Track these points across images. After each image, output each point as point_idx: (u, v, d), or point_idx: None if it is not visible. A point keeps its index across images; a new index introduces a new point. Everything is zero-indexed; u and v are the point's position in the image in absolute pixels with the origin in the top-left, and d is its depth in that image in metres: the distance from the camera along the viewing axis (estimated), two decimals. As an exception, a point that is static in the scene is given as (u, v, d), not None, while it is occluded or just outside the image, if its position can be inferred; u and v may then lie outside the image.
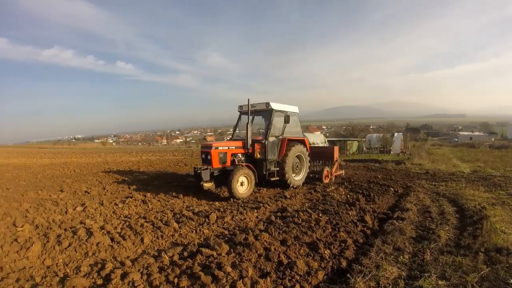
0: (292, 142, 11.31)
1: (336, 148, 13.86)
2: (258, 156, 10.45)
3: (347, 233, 5.59)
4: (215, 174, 9.60)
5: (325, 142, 37.81)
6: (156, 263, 4.23)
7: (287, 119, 10.65)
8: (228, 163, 9.95)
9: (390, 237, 5.33)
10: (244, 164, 9.89)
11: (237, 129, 12.13)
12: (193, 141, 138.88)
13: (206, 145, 10.77)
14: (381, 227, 6.20)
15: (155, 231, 5.68)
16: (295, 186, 11.16)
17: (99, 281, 3.85)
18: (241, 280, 3.67)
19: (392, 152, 39.02)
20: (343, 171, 14.19)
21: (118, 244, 5.05)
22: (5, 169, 17.33)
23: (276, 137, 10.86)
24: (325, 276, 4.03)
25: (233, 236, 5.29)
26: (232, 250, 4.65)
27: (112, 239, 5.26)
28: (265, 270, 4.08)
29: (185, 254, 4.60)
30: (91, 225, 6.02)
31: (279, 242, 5.01)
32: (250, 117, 10.62)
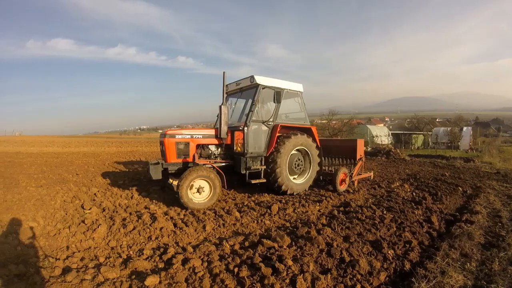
0: (290, 131, 8.75)
1: (360, 142, 10.24)
2: (239, 149, 8.08)
3: (412, 234, 5.23)
4: (171, 171, 7.68)
5: (388, 135, 35.95)
6: (217, 251, 4.25)
7: (277, 97, 7.98)
8: (191, 158, 7.66)
9: (457, 241, 4.90)
10: (204, 162, 7.73)
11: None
12: None
13: (162, 133, 8.23)
14: (448, 229, 5.72)
15: (217, 220, 5.74)
16: (294, 193, 8.46)
17: (161, 265, 3.94)
18: (302, 275, 3.55)
19: (460, 148, 35.74)
20: (371, 173, 10.74)
21: (181, 230, 5.16)
22: (76, 156, 18.64)
23: (263, 123, 8.29)
24: (387, 278, 3.79)
25: (295, 229, 5.19)
26: (293, 243, 4.55)
27: (175, 225, 5.40)
28: (326, 267, 3.93)
29: (246, 244, 4.58)
30: (155, 210, 6.24)
31: (341, 238, 4.83)
32: (234, 99, 9.39)
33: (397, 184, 10.02)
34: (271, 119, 8.31)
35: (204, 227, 5.33)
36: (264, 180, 8.14)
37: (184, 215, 6.03)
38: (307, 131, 9.08)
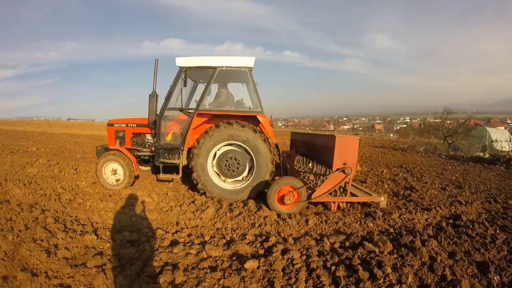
0: (219, 120, 6.95)
1: (344, 140, 6.07)
2: (167, 139, 7.42)
3: (525, 262, 4.70)
4: None
5: (510, 141, 29.84)
6: (317, 247, 4.32)
7: (183, 79, 6.91)
8: (127, 145, 7.81)
9: None
10: (119, 147, 7.51)
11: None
12: (361, 128, 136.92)
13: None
14: None
15: (320, 215, 5.82)
16: (218, 198, 6.71)
17: (261, 251, 4.18)
18: (399, 285, 3.44)
19: None
20: (381, 198, 6.39)
21: (284, 221, 5.37)
22: None
23: (181, 111, 7.22)
24: (487, 307, 3.51)
25: (399, 236, 5.02)
26: (395, 250, 4.42)
27: (278, 216, 5.66)
28: (426, 281, 3.72)
29: (347, 244, 4.57)
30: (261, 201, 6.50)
31: (446, 253, 4.51)
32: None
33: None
34: (191, 110, 7.24)
35: (306, 221, 5.44)
36: (174, 177, 7.39)
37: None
38: (251, 119, 7.03)
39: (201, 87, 7.84)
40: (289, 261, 3.84)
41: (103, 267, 3.79)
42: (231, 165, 6.90)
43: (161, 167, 7.27)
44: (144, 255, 4.06)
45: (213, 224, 5.16)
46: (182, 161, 7.20)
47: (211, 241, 4.44)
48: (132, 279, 3.52)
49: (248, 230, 4.95)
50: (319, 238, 4.75)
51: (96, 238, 4.66)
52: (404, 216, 6.29)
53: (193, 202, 5.99)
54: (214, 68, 7.02)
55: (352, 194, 6.48)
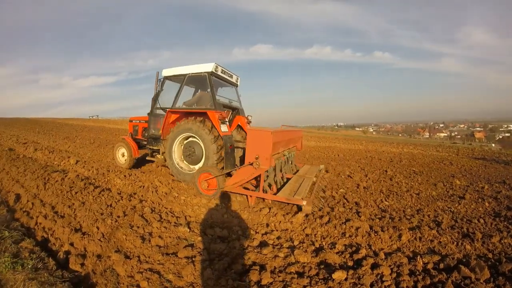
0: (184, 117, 8.50)
1: (254, 133, 6.39)
2: (152, 132, 9.65)
3: None
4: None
5: None
6: (408, 265, 4.08)
7: (159, 85, 9.14)
8: (139, 136, 10.31)
9: None
10: (125, 137, 10.32)
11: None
12: (458, 136, 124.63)
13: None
14: None
15: (414, 231, 5.50)
16: (181, 180, 8.28)
17: (350, 263, 4.05)
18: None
19: None
20: (304, 202, 5.78)
21: (376, 234, 5.15)
22: None
23: (163, 109, 9.15)
24: None
25: (497, 263, 4.64)
26: (492, 278, 4.10)
27: (371, 227, 5.40)
28: None
29: (441, 266, 4.29)
30: (351, 207, 6.40)
31: None
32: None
33: None
34: (169, 106, 8.65)
35: (399, 236, 5.19)
36: (155, 159, 9.37)
37: (380, 218, 5.99)
38: (203, 115, 8.11)
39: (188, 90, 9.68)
40: (379, 277, 3.68)
41: (193, 258, 3.97)
42: (189, 152, 8.30)
43: (149, 152, 9.78)
44: (233, 252, 4.19)
45: (303, 230, 5.11)
46: (161, 147, 8.90)
47: (300, 246, 4.42)
48: (219, 273, 3.63)
49: (338, 239, 4.82)
50: (412, 256, 4.50)
51: (188, 230, 4.91)
52: (505, 240, 5.77)
53: (283, 205, 6.13)
54: (184, 75, 8.52)
55: (278, 190, 6.63)
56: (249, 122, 9.64)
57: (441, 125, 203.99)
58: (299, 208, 5.88)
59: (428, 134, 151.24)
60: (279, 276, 3.58)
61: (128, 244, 4.48)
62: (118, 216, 5.50)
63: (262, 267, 3.77)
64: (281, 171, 7.80)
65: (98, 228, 5.05)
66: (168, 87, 9.18)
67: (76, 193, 6.83)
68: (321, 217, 5.51)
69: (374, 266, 3.91)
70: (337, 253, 4.29)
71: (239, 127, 9.73)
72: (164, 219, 5.42)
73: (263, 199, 6.59)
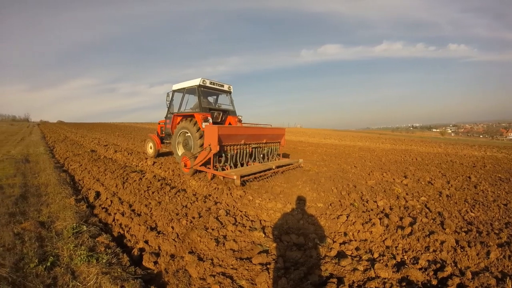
0: (183, 118, 11.40)
1: (208, 128, 8.81)
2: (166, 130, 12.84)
3: None
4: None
5: None
6: (497, 287, 3.77)
7: (170, 96, 12.47)
8: (162, 134, 13.45)
9: None
10: (151, 134, 13.88)
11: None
12: None
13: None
14: None
15: (503, 248, 4.85)
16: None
17: (434, 281, 3.71)
18: None
19: None
20: (234, 176, 7.83)
21: (462, 250, 4.72)
22: (352, 150, 20.35)
23: (172, 114, 12.18)
24: None
25: None
26: None
27: (456, 241, 4.95)
28: None
29: (533, 291, 3.91)
30: (434, 218, 5.93)
31: None
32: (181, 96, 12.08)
33: None
34: (175, 111, 11.96)
35: (488, 253, 4.73)
36: (168, 148, 12.91)
37: (466, 231, 5.51)
38: (188, 117, 10.98)
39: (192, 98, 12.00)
40: (473, 299, 3.40)
41: (267, 265, 3.89)
42: (186, 143, 11.20)
43: (166, 144, 12.89)
44: (310, 262, 4.03)
45: (383, 241, 4.78)
46: (171, 140, 11.71)
47: (380, 260, 4.13)
48: (294, 284, 3.51)
49: (421, 253, 4.43)
50: (500, 277, 4.11)
51: (263, 235, 4.84)
52: None
53: (363, 212, 5.77)
54: (184, 88, 11.66)
55: (222, 168, 8.96)
56: (239, 121, 12.19)
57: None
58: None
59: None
60: (358, 291, 3.39)
61: (202, 246, 4.50)
62: (193, 217, 5.59)
63: (340, 280, 3.58)
64: (251, 158, 10.36)
65: (173, 228, 5.15)
66: (176, 97, 12.25)
67: (153, 192, 7.19)
68: (402, 228, 5.15)
69: (460, 287, 3.59)
70: (420, 269, 3.96)
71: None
72: (239, 223, 5.42)
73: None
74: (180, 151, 11.33)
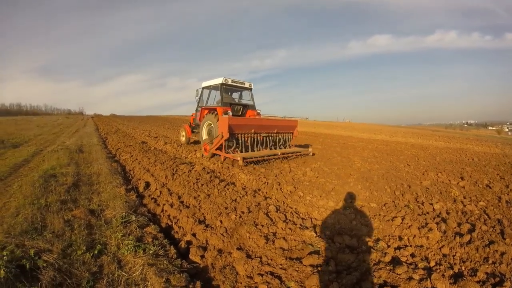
0: (208, 111, 12.98)
1: (222, 120, 10.51)
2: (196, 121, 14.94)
3: None
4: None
5: None
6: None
7: (201, 92, 14.41)
8: (193, 124, 15.43)
9: None
10: (184, 124, 16.52)
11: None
12: None
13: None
14: None
15: None
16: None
17: (491, 295, 3.53)
18: None
19: None
20: (238, 158, 9.54)
21: (524, 265, 4.47)
22: (404, 147, 19.73)
23: (200, 107, 14.20)
24: None
25: None
26: None
27: None
28: None
29: None
30: (493, 226, 5.56)
31: None
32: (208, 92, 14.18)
33: None
34: (203, 105, 13.93)
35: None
36: (196, 137, 15.21)
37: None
38: (212, 111, 12.57)
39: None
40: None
41: (318, 268, 3.81)
42: (210, 133, 12.54)
43: (196, 133, 14.91)
44: (363, 267, 3.90)
45: (440, 248, 4.51)
46: (200, 130, 13.21)
47: (437, 269, 3.90)
48: (346, 290, 3.39)
49: (480, 265, 4.14)
50: None
51: (314, 235, 4.75)
52: None
53: (419, 215, 5.48)
54: (210, 85, 13.52)
55: (233, 152, 10.40)
56: (258, 114, 13.80)
57: None
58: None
59: None
60: (414, 303, 3.24)
61: (251, 243, 4.47)
62: (242, 212, 5.57)
63: (395, 290, 3.45)
64: (261, 145, 11.63)
65: (221, 222, 5.16)
66: (204, 94, 14.21)
67: (202, 185, 7.24)
68: (461, 235, 4.85)
69: (519, 304, 3.35)
70: (477, 282, 3.72)
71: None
72: (289, 220, 5.33)
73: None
74: (203, 136, 13.03)
